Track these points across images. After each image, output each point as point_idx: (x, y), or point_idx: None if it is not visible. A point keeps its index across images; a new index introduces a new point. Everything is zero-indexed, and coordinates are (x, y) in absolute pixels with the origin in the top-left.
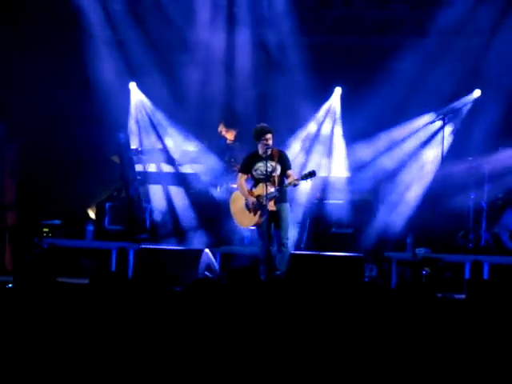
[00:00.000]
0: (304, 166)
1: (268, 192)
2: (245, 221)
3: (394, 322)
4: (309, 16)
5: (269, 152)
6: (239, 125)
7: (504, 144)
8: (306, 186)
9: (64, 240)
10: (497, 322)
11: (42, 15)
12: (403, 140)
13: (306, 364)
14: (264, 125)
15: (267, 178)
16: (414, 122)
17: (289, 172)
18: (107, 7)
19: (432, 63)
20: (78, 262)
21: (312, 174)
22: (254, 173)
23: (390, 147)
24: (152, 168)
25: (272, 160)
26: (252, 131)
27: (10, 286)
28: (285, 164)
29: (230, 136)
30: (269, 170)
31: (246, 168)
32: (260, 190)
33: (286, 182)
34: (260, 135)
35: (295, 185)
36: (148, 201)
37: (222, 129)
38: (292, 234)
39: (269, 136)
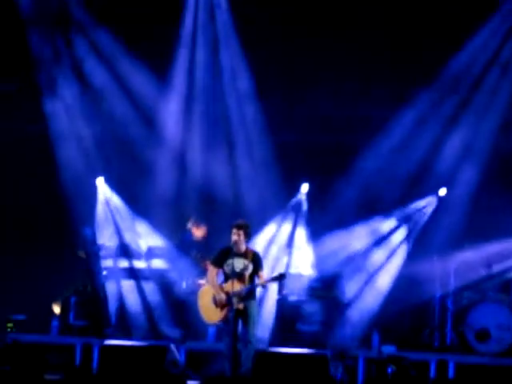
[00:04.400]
0: (267, 260)
1: (237, 289)
2: (212, 316)
3: None
4: (276, 115)
5: (237, 248)
6: (207, 222)
7: (469, 242)
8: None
9: (28, 335)
10: None
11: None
12: (370, 236)
13: None
14: (237, 221)
15: (238, 275)
16: (378, 221)
17: (260, 273)
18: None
19: (396, 160)
20: (44, 357)
21: (282, 277)
22: (225, 268)
23: (356, 244)
24: (118, 263)
25: (245, 258)
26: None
27: None
28: (257, 265)
29: (199, 233)
30: (241, 267)
31: (219, 261)
32: (229, 286)
33: (257, 281)
34: (232, 227)
35: (264, 286)
36: (113, 296)
37: (191, 225)
38: (258, 330)
39: (233, 231)
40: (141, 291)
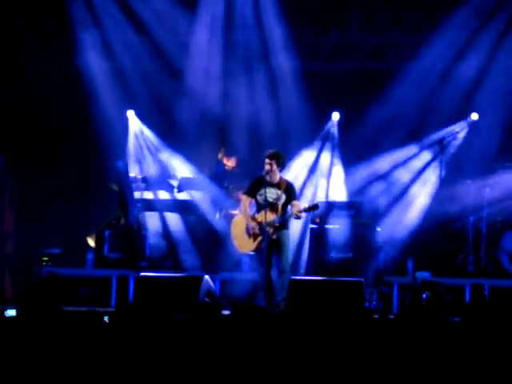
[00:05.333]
0: (302, 191)
1: (270, 219)
2: (245, 245)
3: (396, 348)
4: (306, 42)
5: (270, 178)
6: (239, 152)
7: (502, 166)
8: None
9: (64, 268)
10: (497, 344)
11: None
12: (402, 164)
13: None
14: (269, 151)
15: (270, 205)
16: (412, 147)
17: (294, 202)
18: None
19: (428, 87)
20: (77, 290)
21: (315, 207)
22: (258, 198)
23: (390, 171)
24: (151, 195)
25: (278, 188)
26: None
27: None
28: (291, 195)
29: (230, 163)
30: (274, 197)
31: (251, 191)
32: (262, 216)
33: (290, 211)
34: (265, 157)
35: (298, 217)
36: (147, 228)
37: (222, 156)
38: (291, 259)
39: (266, 161)
40: (174, 223)
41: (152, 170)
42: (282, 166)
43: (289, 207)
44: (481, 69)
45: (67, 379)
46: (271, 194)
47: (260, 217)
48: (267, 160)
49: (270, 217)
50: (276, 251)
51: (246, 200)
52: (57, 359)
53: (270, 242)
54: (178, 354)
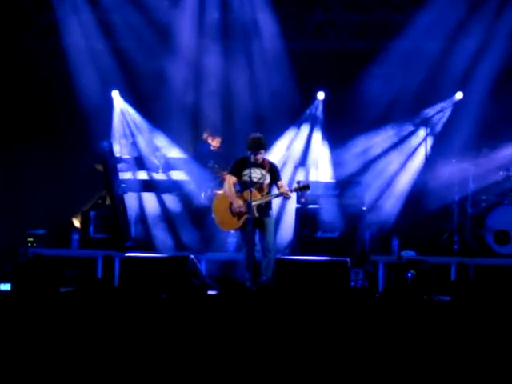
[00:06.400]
0: (285, 170)
1: (256, 198)
2: (227, 223)
3: (381, 327)
4: (290, 22)
5: (259, 161)
6: (223, 132)
7: (486, 145)
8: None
9: (49, 249)
10: (483, 323)
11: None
12: (387, 142)
13: (294, 372)
14: (258, 138)
15: (256, 184)
16: (395, 127)
17: (279, 183)
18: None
19: (411, 66)
20: (63, 272)
21: (306, 187)
22: (243, 177)
23: (374, 151)
24: (135, 176)
25: (263, 168)
26: (247, 140)
27: None
28: (275, 175)
29: (215, 143)
30: (258, 177)
31: (236, 171)
32: (247, 194)
33: (277, 191)
34: (252, 148)
35: (287, 197)
36: (132, 209)
37: (206, 136)
38: (277, 239)
39: (261, 152)
40: (159, 203)
41: (136, 150)
42: (264, 147)
43: (274, 187)
44: (468, 48)
45: (57, 357)
46: (256, 174)
47: (245, 195)
48: (262, 151)
49: (257, 196)
50: (260, 230)
51: (230, 178)
52: (48, 336)
53: (255, 222)
54: (165, 335)
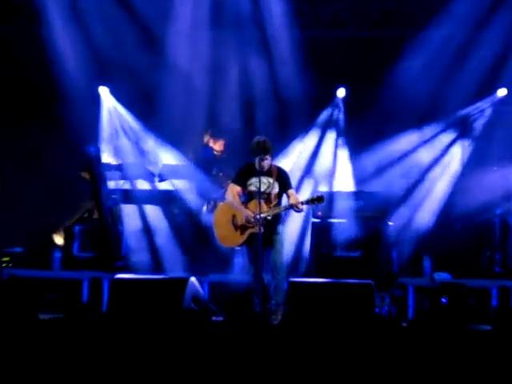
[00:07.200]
0: (301, 181)
1: (263, 211)
2: (229, 239)
3: (411, 361)
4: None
5: (266, 168)
6: (227, 134)
7: None
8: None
9: (27, 270)
10: None
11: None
12: (419, 148)
13: None
14: (262, 142)
15: (262, 195)
16: (427, 129)
17: (290, 191)
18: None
19: (446, 60)
20: (43, 296)
21: (319, 200)
22: (249, 187)
23: (404, 156)
24: (127, 185)
25: (270, 176)
26: (250, 145)
27: None
28: (284, 182)
29: (217, 147)
30: (265, 186)
31: (240, 180)
32: (253, 205)
33: (288, 202)
34: (257, 153)
35: (297, 210)
36: (123, 223)
37: (208, 139)
38: (290, 258)
39: (267, 157)
40: (153, 217)
41: (129, 155)
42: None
43: (284, 198)
44: (507, 38)
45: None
46: (263, 183)
47: (252, 205)
48: (268, 156)
49: (264, 208)
50: (269, 248)
51: (233, 188)
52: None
53: (263, 237)
54: (158, 369)
